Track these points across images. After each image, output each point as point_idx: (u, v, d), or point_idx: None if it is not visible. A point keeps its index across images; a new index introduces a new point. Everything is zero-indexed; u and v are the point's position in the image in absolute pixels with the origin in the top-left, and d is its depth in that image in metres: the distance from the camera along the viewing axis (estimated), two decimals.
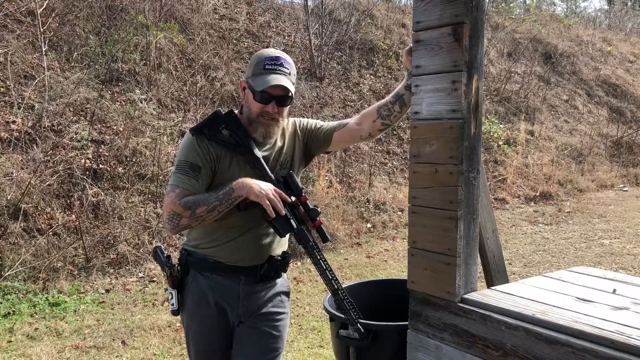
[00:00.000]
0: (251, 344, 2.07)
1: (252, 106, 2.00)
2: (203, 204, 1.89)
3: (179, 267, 2.08)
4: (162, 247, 2.16)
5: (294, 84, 2.01)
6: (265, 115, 1.99)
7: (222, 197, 1.90)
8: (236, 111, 2.06)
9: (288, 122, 2.18)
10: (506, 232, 7.53)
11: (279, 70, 1.97)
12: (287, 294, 2.19)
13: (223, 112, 2.02)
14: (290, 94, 1.99)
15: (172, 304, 2.08)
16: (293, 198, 1.98)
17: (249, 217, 1.97)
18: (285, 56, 2.02)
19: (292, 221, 1.96)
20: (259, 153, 2.00)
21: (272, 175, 1.99)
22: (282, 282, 2.17)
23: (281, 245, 2.12)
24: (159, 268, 5.47)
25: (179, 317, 2.19)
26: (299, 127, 2.19)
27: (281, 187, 1.96)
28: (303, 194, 1.99)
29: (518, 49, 13.87)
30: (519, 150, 10.45)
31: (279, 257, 2.09)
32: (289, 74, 2.00)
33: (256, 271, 2.06)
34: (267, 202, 1.88)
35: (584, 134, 12.25)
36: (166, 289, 2.14)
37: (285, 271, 2.17)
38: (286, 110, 2.05)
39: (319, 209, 2.01)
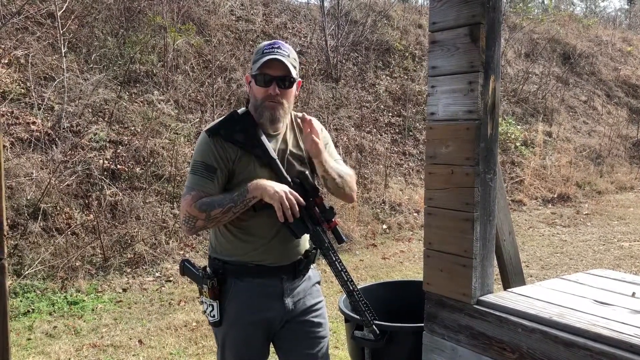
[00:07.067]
0: (303, 337, 2.09)
1: (256, 93, 2.00)
2: (218, 206, 1.89)
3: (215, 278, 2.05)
4: (190, 260, 2.14)
5: (295, 67, 2.00)
6: (269, 99, 1.97)
7: (237, 198, 1.90)
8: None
9: None
10: (523, 234, 7.46)
11: (276, 52, 1.97)
12: (319, 282, 2.24)
13: (240, 113, 2.02)
14: (290, 74, 1.97)
15: (213, 316, 2.04)
16: (310, 199, 1.98)
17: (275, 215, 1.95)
18: (282, 42, 2.03)
19: (307, 222, 1.96)
20: (274, 154, 2.00)
21: (287, 177, 1.98)
22: (314, 273, 2.20)
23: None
24: (175, 268, 5.50)
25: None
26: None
27: (297, 189, 1.95)
28: (319, 195, 1.99)
29: (536, 49, 13.74)
30: (537, 151, 10.35)
31: (313, 249, 2.12)
32: (288, 56, 1.99)
33: (295, 267, 2.07)
34: (279, 206, 1.87)
35: (603, 135, 12.09)
36: (202, 302, 2.11)
37: (314, 262, 2.19)
38: (290, 93, 2.02)
39: (334, 210, 2.01)
